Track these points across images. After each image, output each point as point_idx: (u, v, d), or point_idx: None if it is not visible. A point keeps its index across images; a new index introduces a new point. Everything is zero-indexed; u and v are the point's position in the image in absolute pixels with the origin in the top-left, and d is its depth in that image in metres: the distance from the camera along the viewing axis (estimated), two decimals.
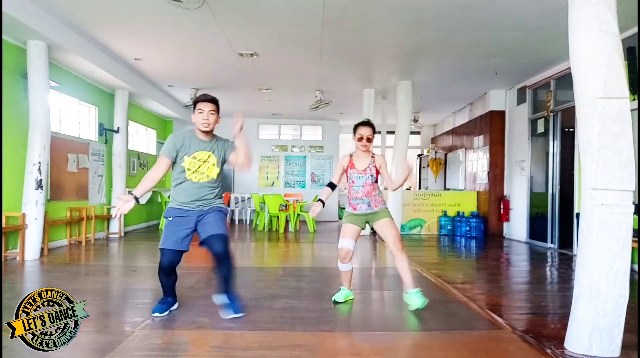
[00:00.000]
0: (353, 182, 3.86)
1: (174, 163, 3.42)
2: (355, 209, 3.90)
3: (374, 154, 3.96)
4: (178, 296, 3.75)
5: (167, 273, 3.46)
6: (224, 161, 3.50)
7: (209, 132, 3.41)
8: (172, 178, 3.49)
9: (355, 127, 3.92)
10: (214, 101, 3.37)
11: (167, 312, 3.54)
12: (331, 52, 7.22)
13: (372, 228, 4.05)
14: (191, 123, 11.92)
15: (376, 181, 3.89)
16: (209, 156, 3.40)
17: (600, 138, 2.70)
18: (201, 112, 3.33)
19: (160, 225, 10.33)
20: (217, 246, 3.35)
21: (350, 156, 3.96)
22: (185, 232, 3.40)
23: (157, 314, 3.46)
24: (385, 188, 4.43)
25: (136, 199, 3.35)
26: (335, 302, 3.99)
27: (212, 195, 3.47)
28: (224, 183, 3.72)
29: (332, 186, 3.99)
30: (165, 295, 3.61)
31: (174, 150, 3.38)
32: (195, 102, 3.37)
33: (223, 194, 3.64)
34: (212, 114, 3.34)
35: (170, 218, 3.43)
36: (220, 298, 3.52)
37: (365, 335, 3.24)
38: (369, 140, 3.85)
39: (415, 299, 3.70)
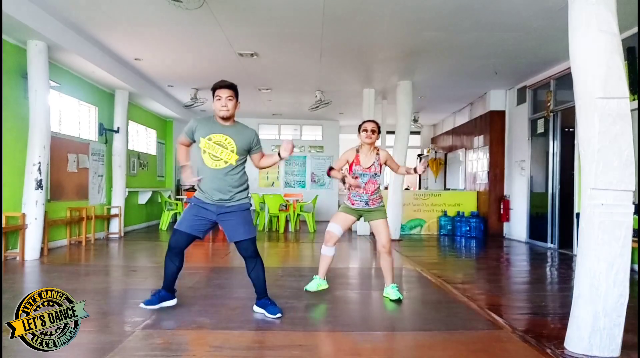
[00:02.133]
0: (357, 178, 3.96)
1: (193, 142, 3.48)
2: (353, 204, 4.05)
3: (378, 150, 4.03)
4: (178, 296, 3.75)
5: (173, 253, 3.47)
6: (246, 152, 3.43)
7: (229, 119, 3.38)
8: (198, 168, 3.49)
9: (361, 124, 4.07)
10: (231, 86, 3.36)
11: (156, 305, 3.54)
12: (331, 52, 7.22)
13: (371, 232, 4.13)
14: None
15: (378, 177, 4.02)
16: (226, 140, 3.34)
17: (600, 138, 2.70)
18: (219, 99, 3.31)
19: (161, 225, 10.34)
20: (244, 250, 3.43)
21: (357, 151, 4.04)
22: (202, 222, 3.41)
23: (142, 305, 3.51)
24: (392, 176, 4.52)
25: (188, 167, 3.51)
26: (307, 291, 4.15)
27: (233, 187, 3.37)
28: None
29: (331, 169, 4.07)
30: (163, 286, 3.60)
31: (193, 132, 3.43)
32: (213, 90, 3.36)
33: (248, 189, 3.54)
34: (230, 99, 3.32)
35: (192, 204, 3.46)
36: (258, 308, 3.56)
37: (365, 335, 3.24)
38: (374, 132, 3.97)
39: (393, 292, 4.06)
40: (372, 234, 9.23)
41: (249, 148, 3.45)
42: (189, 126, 3.46)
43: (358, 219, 4.17)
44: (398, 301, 4.02)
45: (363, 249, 7.99)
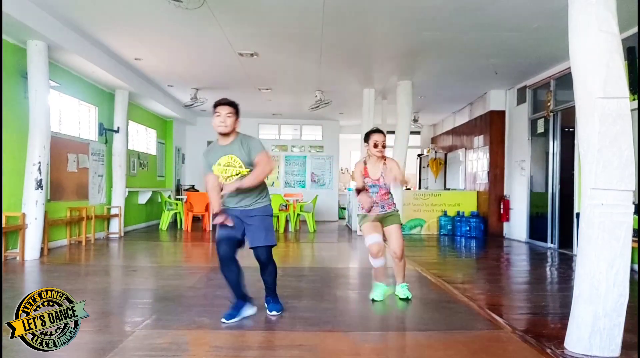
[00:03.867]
0: (367, 190, 4.01)
1: None
2: (369, 211, 4.03)
3: (385, 159, 4.03)
4: (178, 297, 3.75)
5: (226, 263, 3.38)
6: (251, 159, 3.41)
7: (228, 135, 3.40)
8: None
9: (368, 134, 4.04)
10: (232, 104, 3.39)
11: (237, 318, 3.38)
12: (331, 52, 7.22)
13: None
14: (191, 122, 11.91)
15: (388, 187, 4.05)
16: (232, 159, 3.37)
17: (600, 138, 2.70)
18: (218, 116, 3.34)
19: (161, 224, 10.34)
20: (261, 256, 3.46)
21: (364, 163, 4.08)
22: (237, 223, 3.41)
23: (223, 320, 3.33)
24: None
25: (223, 211, 3.44)
26: (374, 301, 4.05)
27: (251, 192, 3.42)
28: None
29: (360, 191, 4.05)
30: (236, 297, 3.45)
31: (207, 165, 3.46)
32: (214, 107, 3.40)
33: (266, 190, 3.57)
34: (229, 116, 3.34)
35: (230, 218, 3.44)
36: (266, 301, 3.65)
37: (365, 335, 3.24)
38: (384, 146, 4.01)
39: (403, 291, 4.10)
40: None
41: (252, 158, 3.40)
42: (204, 162, 3.50)
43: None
44: (406, 300, 4.05)
45: (363, 249, 7.97)
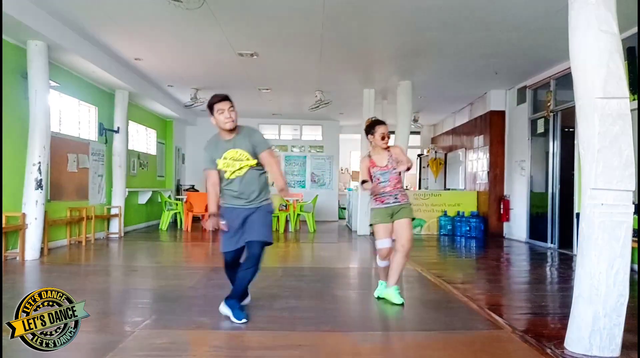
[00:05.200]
0: (379, 179, 3.98)
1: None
2: (382, 202, 3.98)
3: (388, 147, 4.05)
4: (178, 297, 3.76)
5: (231, 268, 3.52)
6: (255, 152, 3.40)
7: (233, 129, 3.40)
8: (221, 183, 3.50)
9: (373, 126, 4.03)
10: (228, 98, 3.39)
11: (245, 314, 3.40)
12: (331, 52, 7.22)
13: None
14: (191, 122, 11.89)
15: (399, 174, 4.04)
16: (238, 153, 3.37)
17: (600, 138, 2.70)
18: (222, 112, 3.32)
19: (161, 224, 10.33)
20: (253, 248, 3.40)
21: (369, 156, 4.07)
22: (237, 230, 3.42)
23: (243, 320, 3.31)
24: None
25: (215, 214, 3.45)
26: (379, 298, 4.06)
27: (256, 188, 3.44)
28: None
29: (364, 182, 4.05)
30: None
31: (211, 159, 3.43)
32: (211, 106, 3.36)
33: (268, 188, 3.58)
34: (232, 111, 3.35)
35: (224, 222, 3.43)
36: (223, 308, 3.44)
37: (365, 335, 3.24)
38: (389, 137, 4.03)
39: (396, 295, 3.91)
40: (372, 234, 9.24)
41: (257, 151, 3.42)
42: (207, 156, 3.46)
43: (392, 221, 4.04)
44: (401, 305, 3.87)
45: (363, 249, 7.99)
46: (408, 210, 4.02)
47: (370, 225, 4.16)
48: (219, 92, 3.43)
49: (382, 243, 3.98)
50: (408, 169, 4.00)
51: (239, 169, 3.37)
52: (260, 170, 3.47)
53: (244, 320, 3.30)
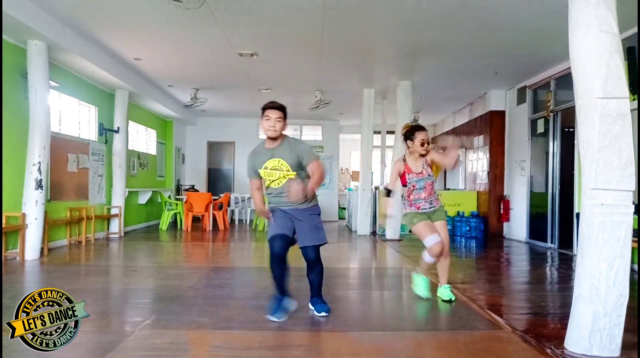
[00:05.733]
0: (414, 186, 4.01)
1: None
2: (418, 208, 4.03)
3: (424, 156, 4.06)
4: (178, 297, 3.75)
5: (277, 261, 3.43)
6: (300, 163, 3.40)
7: (276, 139, 3.41)
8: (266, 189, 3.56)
9: (413, 131, 4.04)
10: (281, 108, 3.41)
11: (282, 312, 3.42)
12: (331, 52, 7.22)
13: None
14: (191, 122, 11.91)
15: (434, 181, 4.06)
16: (279, 163, 3.39)
17: (600, 138, 2.70)
18: (268, 119, 3.36)
19: (161, 225, 10.33)
20: (310, 255, 3.47)
21: (404, 160, 4.08)
22: (288, 220, 3.45)
23: (274, 319, 3.36)
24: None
25: (264, 211, 3.59)
26: (421, 298, 4.11)
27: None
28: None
29: (390, 193, 4.07)
30: (281, 293, 3.50)
31: (253, 169, 3.47)
32: (263, 109, 3.41)
33: (316, 195, 3.61)
34: (278, 121, 3.37)
35: (273, 211, 3.52)
36: (312, 305, 3.62)
37: (365, 335, 3.24)
38: (429, 143, 4.04)
39: (446, 292, 4.04)
40: (372, 234, 9.24)
41: (303, 163, 3.40)
42: (249, 166, 3.52)
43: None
44: (449, 302, 3.98)
45: (363, 249, 7.99)
46: (443, 213, 4.11)
47: (410, 231, 4.17)
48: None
49: (432, 239, 3.94)
50: (457, 161, 3.99)
51: (277, 178, 3.40)
52: (302, 178, 3.44)
53: (323, 313, 3.49)
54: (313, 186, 3.35)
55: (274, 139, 3.41)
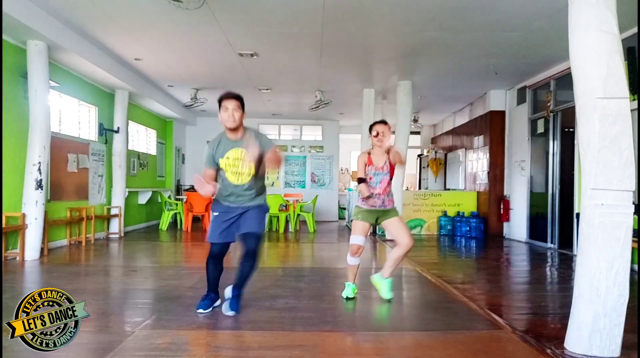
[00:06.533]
0: (371, 179, 4.03)
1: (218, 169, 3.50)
2: (370, 206, 4.04)
3: (389, 150, 4.08)
4: (178, 297, 3.76)
5: (215, 263, 3.60)
6: (261, 156, 3.39)
7: (237, 129, 3.41)
8: (219, 177, 3.56)
9: (371, 126, 4.12)
10: (237, 97, 3.40)
11: (210, 309, 3.58)
12: (331, 52, 7.22)
13: (373, 229, 4.12)
14: (191, 123, 11.89)
15: (391, 179, 4.07)
16: (242, 153, 3.39)
17: (600, 138, 2.70)
18: (226, 110, 3.35)
19: (161, 225, 10.34)
20: (249, 242, 3.49)
21: (369, 153, 4.12)
22: (229, 224, 3.51)
23: (201, 310, 3.52)
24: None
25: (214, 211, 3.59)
26: (348, 298, 4.09)
27: (254, 194, 3.53)
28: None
29: (363, 180, 4.07)
30: (209, 290, 3.65)
31: (212, 157, 3.46)
32: (219, 101, 3.39)
33: (265, 190, 3.68)
34: (236, 110, 3.35)
35: (217, 213, 3.55)
36: (227, 291, 3.66)
37: (366, 335, 3.24)
38: (384, 135, 4.03)
39: (388, 290, 4.02)
40: (372, 234, 9.24)
41: (262, 155, 3.39)
42: (207, 154, 3.49)
43: (374, 224, 4.14)
44: (388, 301, 4.00)
45: (364, 248, 7.97)
46: (395, 212, 4.10)
47: (351, 220, 4.20)
48: (231, 92, 3.43)
49: (357, 240, 4.05)
50: (401, 163, 4.04)
51: (240, 174, 3.40)
52: (261, 179, 3.58)
53: (231, 313, 3.46)
54: (271, 156, 3.32)
55: (234, 129, 3.39)
